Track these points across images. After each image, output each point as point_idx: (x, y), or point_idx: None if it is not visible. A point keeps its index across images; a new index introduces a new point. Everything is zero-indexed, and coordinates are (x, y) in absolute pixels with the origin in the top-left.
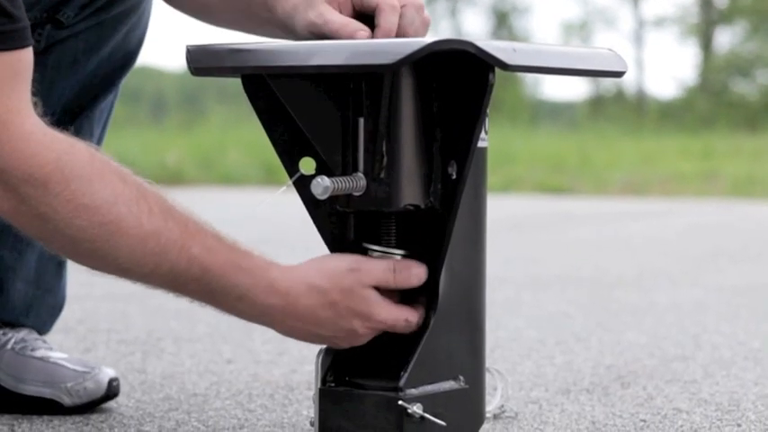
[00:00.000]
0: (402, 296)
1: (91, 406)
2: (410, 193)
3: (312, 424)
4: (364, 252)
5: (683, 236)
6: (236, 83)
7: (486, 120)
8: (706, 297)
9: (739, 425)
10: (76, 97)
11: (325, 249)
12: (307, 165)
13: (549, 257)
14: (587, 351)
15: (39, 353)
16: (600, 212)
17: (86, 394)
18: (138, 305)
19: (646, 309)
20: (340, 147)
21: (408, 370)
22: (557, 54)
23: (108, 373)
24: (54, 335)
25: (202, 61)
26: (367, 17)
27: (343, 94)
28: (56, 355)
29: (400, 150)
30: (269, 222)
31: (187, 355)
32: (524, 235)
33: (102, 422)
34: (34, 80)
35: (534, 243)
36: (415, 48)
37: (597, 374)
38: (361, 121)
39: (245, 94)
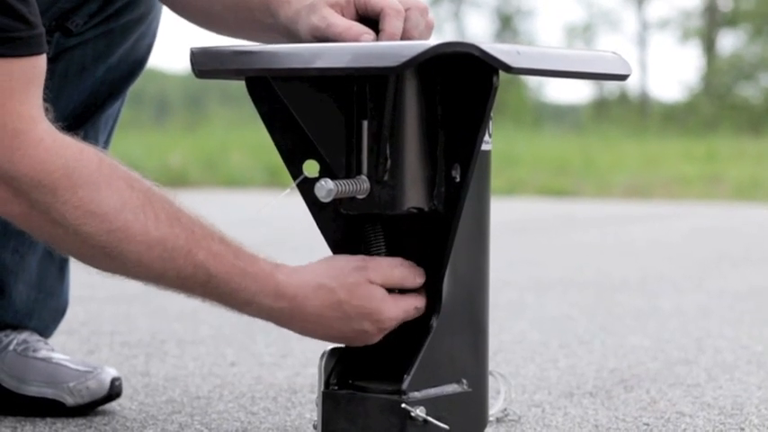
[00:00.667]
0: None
1: (93, 406)
2: (414, 195)
3: (315, 427)
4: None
5: (687, 239)
6: (239, 85)
7: (490, 123)
8: (709, 301)
9: (742, 429)
10: (83, 104)
11: (328, 252)
12: (310, 167)
13: (553, 260)
14: (590, 354)
15: (41, 354)
16: (603, 215)
17: (89, 394)
18: (142, 307)
19: (649, 312)
20: (344, 149)
21: (411, 373)
22: (560, 57)
23: (110, 372)
24: (57, 337)
25: (206, 63)
26: (371, 21)
27: (347, 96)
28: (58, 356)
29: (404, 153)
30: (272, 225)
31: (190, 357)
32: (528, 238)
33: (104, 424)
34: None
35: (538, 246)
36: (420, 50)
37: (600, 378)
38: (365, 123)
39: (248, 97)
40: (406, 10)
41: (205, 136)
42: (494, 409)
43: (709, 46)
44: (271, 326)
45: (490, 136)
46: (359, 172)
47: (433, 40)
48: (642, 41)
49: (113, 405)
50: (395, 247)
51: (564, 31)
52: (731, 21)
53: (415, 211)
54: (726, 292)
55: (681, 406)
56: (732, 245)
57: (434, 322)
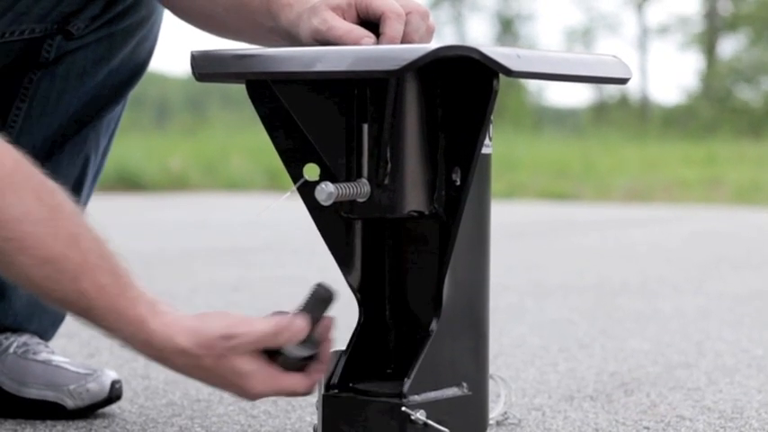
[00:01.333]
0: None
1: (94, 408)
2: (414, 199)
3: (315, 430)
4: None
5: (687, 243)
6: (240, 88)
7: (491, 126)
8: (709, 304)
9: None
10: (84, 108)
11: (328, 255)
12: (311, 171)
13: (553, 264)
14: (591, 358)
15: (41, 356)
16: (603, 219)
17: (89, 396)
18: None
19: (649, 316)
20: (344, 153)
21: (412, 376)
22: (561, 60)
23: (110, 375)
24: (57, 340)
25: (207, 67)
26: (371, 24)
27: (348, 99)
28: (58, 359)
29: (404, 156)
30: (273, 228)
31: None
32: (528, 241)
33: (105, 428)
34: (43, 90)
35: (538, 250)
36: (420, 54)
37: (601, 381)
38: (366, 126)
39: (249, 100)
40: (407, 14)
41: (206, 139)
42: (494, 413)
43: (710, 49)
44: None
45: (490, 139)
46: (359, 175)
47: (433, 44)
48: (642, 45)
49: (113, 408)
50: (395, 251)
51: (564, 35)
52: (731, 24)
53: (415, 214)
54: (726, 296)
55: (681, 410)
56: (732, 248)
57: (435, 326)
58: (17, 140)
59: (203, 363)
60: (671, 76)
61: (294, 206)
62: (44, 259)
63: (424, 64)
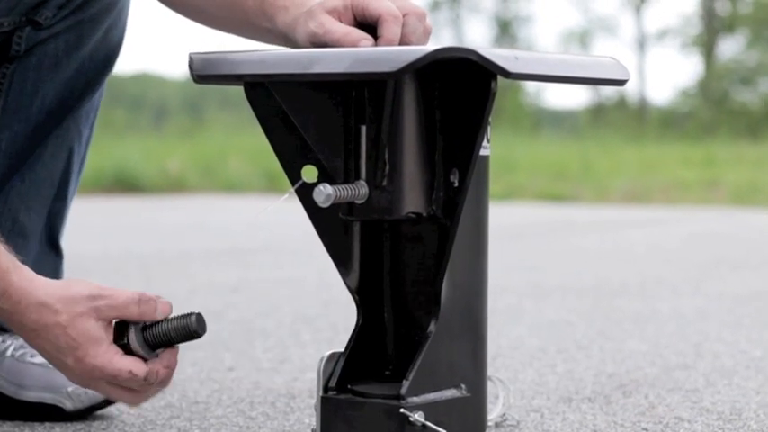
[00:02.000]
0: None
1: (92, 410)
2: (412, 200)
3: None
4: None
5: (685, 244)
6: (238, 90)
7: (489, 128)
8: (708, 305)
9: None
10: (61, 99)
11: (326, 257)
12: (309, 172)
13: (551, 265)
14: (589, 359)
15: (38, 359)
16: (601, 220)
17: (87, 398)
18: None
19: (647, 317)
20: (342, 154)
21: (410, 378)
22: (559, 62)
23: None
24: None
25: (205, 69)
26: (369, 27)
27: (346, 101)
28: None
29: (402, 158)
30: (271, 230)
31: (189, 362)
32: (526, 243)
33: (103, 429)
34: (17, 83)
35: (536, 251)
36: (418, 55)
37: (599, 383)
38: (364, 128)
39: (247, 102)
40: (404, 15)
41: (204, 141)
42: (492, 414)
43: (708, 51)
44: (269, 331)
45: (488, 141)
46: (357, 177)
47: (431, 46)
48: (640, 46)
49: (112, 410)
50: (394, 253)
51: (562, 37)
52: (729, 26)
53: (413, 216)
54: (724, 297)
55: (679, 411)
56: (730, 249)
57: (433, 327)
58: None
59: (58, 319)
60: (669, 77)
61: (292, 208)
62: None
63: (423, 66)
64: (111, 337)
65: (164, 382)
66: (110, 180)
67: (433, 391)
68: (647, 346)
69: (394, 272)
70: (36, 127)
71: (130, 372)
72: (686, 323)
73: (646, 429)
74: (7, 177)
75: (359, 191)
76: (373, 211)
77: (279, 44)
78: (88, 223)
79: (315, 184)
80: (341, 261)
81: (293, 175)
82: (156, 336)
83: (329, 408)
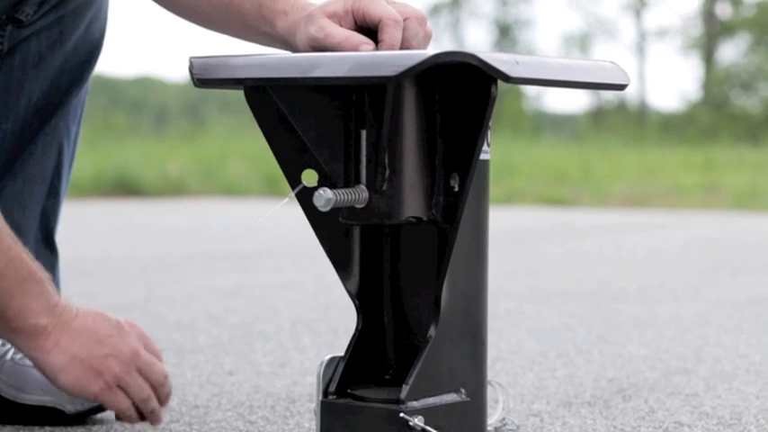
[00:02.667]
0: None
1: (93, 412)
2: (412, 205)
3: None
4: None
5: (685, 248)
6: (238, 94)
7: (489, 132)
8: (708, 310)
9: None
10: (47, 95)
11: (326, 261)
12: (309, 176)
13: (551, 270)
14: (589, 364)
15: None
16: (602, 225)
17: (88, 401)
18: (140, 316)
19: (647, 322)
20: (342, 159)
21: (410, 382)
22: (559, 66)
23: None
24: None
25: (206, 73)
26: (369, 32)
27: (346, 105)
28: None
29: (402, 162)
30: (271, 233)
31: (189, 366)
32: (526, 247)
33: None
34: (2, 82)
35: (536, 255)
36: (419, 60)
37: (599, 387)
38: (364, 132)
39: (247, 106)
40: (405, 19)
41: (204, 145)
42: (492, 419)
43: (708, 55)
44: (269, 335)
45: (489, 145)
46: (357, 181)
47: (431, 50)
48: (640, 51)
49: (112, 413)
50: (394, 257)
51: (562, 41)
52: (730, 30)
53: (413, 220)
54: (724, 301)
55: (679, 416)
56: (730, 254)
57: (433, 332)
58: None
59: (114, 322)
60: (669, 81)
61: (292, 212)
62: None
63: (423, 70)
64: None
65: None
66: (110, 183)
67: (433, 396)
68: (646, 350)
69: (394, 276)
70: (24, 125)
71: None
72: (686, 328)
73: None
74: None
75: (359, 195)
76: (373, 216)
77: (278, 48)
78: (89, 227)
79: (315, 188)
80: (341, 265)
81: (293, 179)
82: None
83: (329, 412)
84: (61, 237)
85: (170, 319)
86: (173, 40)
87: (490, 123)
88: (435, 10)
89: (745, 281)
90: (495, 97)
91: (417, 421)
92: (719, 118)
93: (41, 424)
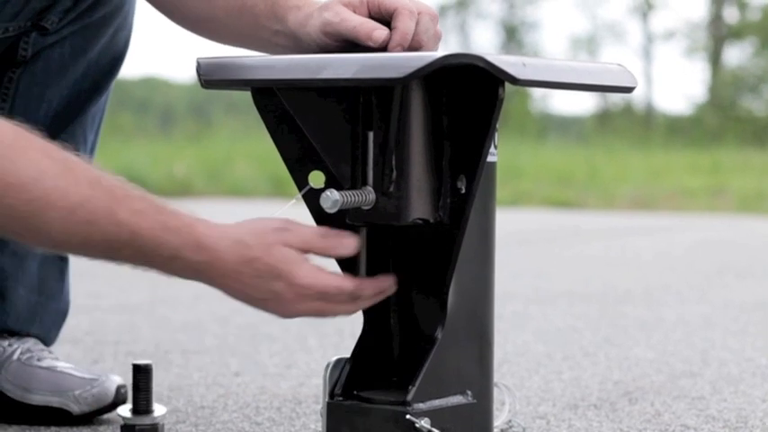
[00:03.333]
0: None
1: (99, 413)
2: (419, 207)
3: None
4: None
5: (691, 251)
6: (244, 95)
7: (496, 134)
8: (714, 313)
9: None
10: (67, 102)
11: (334, 265)
12: (316, 178)
13: (557, 272)
14: (595, 366)
15: (45, 362)
16: (608, 227)
17: (94, 401)
18: (146, 317)
19: (654, 324)
20: (349, 160)
21: (416, 384)
22: (566, 69)
23: (115, 380)
24: (62, 346)
25: (213, 74)
26: (383, 23)
27: (353, 107)
28: (62, 365)
29: (410, 164)
30: None
31: (195, 367)
32: (532, 249)
33: None
34: (24, 88)
35: (542, 257)
36: (426, 62)
37: (605, 390)
38: (371, 134)
39: (254, 107)
40: (418, 14)
41: (210, 146)
42: (498, 421)
43: (715, 58)
44: (275, 336)
45: (496, 147)
46: (364, 183)
47: (439, 52)
48: (647, 53)
49: (118, 413)
50: (400, 259)
51: (569, 43)
52: (737, 33)
53: (420, 222)
54: (730, 304)
55: (685, 419)
56: (736, 257)
57: (439, 333)
58: None
59: (254, 252)
60: (676, 84)
61: (299, 213)
62: (73, 206)
63: (430, 72)
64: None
65: (373, 297)
66: None
67: (439, 398)
68: (653, 353)
69: (400, 278)
70: (42, 131)
71: (338, 287)
72: (692, 331)
73: None
74: None
75: (366, 197)
76: (380, 217)
77: (284, 48)
78: None
79: (322, 190)
80: (347, 267)
81: (300, 181)
82: None
83: (335, 413)
84: None
85: (176, 320)
86: (179, 41)
87: (497, 125)
88: (442, 11)
89: (752, 284)
90: (502, 99)
91: (424, 423)
92: (726, 121)
93: (47, 424)
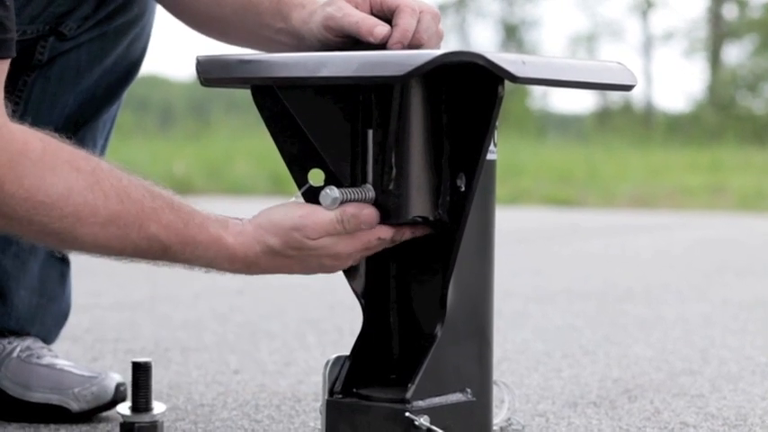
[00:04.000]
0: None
1: (98, 411)
2: (419, 204)
3: None
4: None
5: (691, 250)
6: (244, 93)
7: (496, 132)
8: (713, 311)
9: None
10: (80, 108)
11: None
12: (316, 176)
13: (557, 270)
14: (594, 364)
15: (45, 360)
16: (607, 225)
17: (94, 399)
18: (146, 315)
19: (653, 322)
20: (349, 158)
21: (416, 382)
22: (566, 67)
23: (115, 378)
24: (61, 343)
25: (212, 72)
26: (384, 20)
27: (353, 105)
28: (62, 362)
29: (409, 162)
30: None
31: (194, 365)
32: (532, 247)
33: (108, 431)
34: (37, 92)
35: (541, 256)
36: (425, 59)
37: (604, 388)
38: (371, 132)
39: (254, 105)
40: (420, 12)
41: (210, 144)
42: (498, 419)
43: (715, 56)
44: (275, 333)
45: (495, 145)
46: (364, 181)
47: (439, 50)
48: (647, 51)
49: (117, 411)
50: (400, 256)
51: (568, 41)
52: (736, 31)
53: (419, 220)
54: (730, 303)
55: (685, 416)
56: (736, 255)
57: (439, 331)
58: None
59: (287, 253)
60: (675, 82)
61: None
62: (104, 221)
63: (430, 70)
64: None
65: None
66: None
67: (439, 396)
68: (652, 351)
69: (400, 276)
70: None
71: (379, 239)
72: (692, 329)
73: None
74: None
75: (365, 194)
76: (380, 215)
77: (286, 46)
78: None
79: (321, 188)
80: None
81: (300, 179)
82: None
83: (334, 411)
84: None
85: (175, 318)
86: (179, 39)
87: (497, 123)
88: (441, 10)
89: (751, 282)
90: (501, 97)
91: (423, 421)
92: (725, 119)
93: (47, 422)
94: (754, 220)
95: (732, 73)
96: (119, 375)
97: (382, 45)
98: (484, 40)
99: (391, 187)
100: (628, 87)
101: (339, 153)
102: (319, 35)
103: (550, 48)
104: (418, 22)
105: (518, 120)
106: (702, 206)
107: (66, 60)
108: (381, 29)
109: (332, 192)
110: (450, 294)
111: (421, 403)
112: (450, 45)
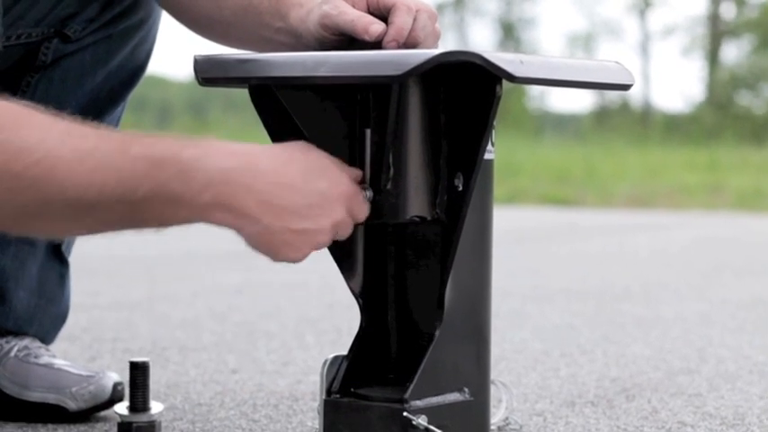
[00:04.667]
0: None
1: (96, 410)
2: (416, 204)
3: None
4: None
5: (689, 249)
6: (242, 92)
7: (493, 132)
8: (711, 310)
9: None
10: (83, 111)
11: (330, 260)
12: None
13: (554, 269)
14: (592, 363)
15: (42, 359)
16: (605, 224)
17: (91, 398)
18: (144, 314)
19: (651, 322)
20: (347, 158)
21: (414, 381)
22: (564, 66)
23: (112, 377)
24: (59, 343)
25: (210, 71)
26: (381, 19)
27: (351, 105)
28: (59, 362)
29: (407, 162)
30: None
31: (192, 364)
32: (529, 247)
33: (106, 430)
34: (41, 94)
35: (539, 255)
36: (423, 59)
37: (602, 387)
38: (368, 132)
39: (251, 105)
40: (416, 11)
41: None
42: (495, 418)
43: (712, 56)
44: (273, 333)
45: (493, 145)
46: (362, 180)
47: (436, 50)
48: (644, 51)
49: (114, 410)
50: (397, 256)
51: (566, 41)
52: (734, 30)
53: (417, 219)
54: (728, 302)
55: (682, 416)
56: (734, 254)
57: (437, 331)
58: None
59: (292, 154)
60: (673, 82)
61: None
62: (83, 154)
63: (427, 69)
64: None
65: None
66: None
67: (437, 395)
68: (650, 350)
69: (398, 275)
70: None
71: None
72: (690, 328)
73: None
74: None
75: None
76: (377, 215)
77: (285, 46)
78: None
79: None
80: (345, 264)
81: None
82: None
83: (332, 411)
84: None
85: (174, 317)
86: (177, 38)
87: (495, 123)
88: (439, 9)
89: (749, 281)
90: (499, 97)
91: (421, 420)
92: (723, 118)
93: (44, 421)
94: (752, 219)
95: (730, 72)
96: (116, 375)
97: (378, 43)
98: (482, 39)
99: (389, 187)
100: (626, 87)
101: (337, 153)
102: (316, 33)
103: (548, 47)
104: (414, 20)
105: (516, 119)
106: (700, 205)
107: (69, 62)
108: (377, 27)
109: None
110: (448, 294)
111: (419, 403)
112: (447, 44)
